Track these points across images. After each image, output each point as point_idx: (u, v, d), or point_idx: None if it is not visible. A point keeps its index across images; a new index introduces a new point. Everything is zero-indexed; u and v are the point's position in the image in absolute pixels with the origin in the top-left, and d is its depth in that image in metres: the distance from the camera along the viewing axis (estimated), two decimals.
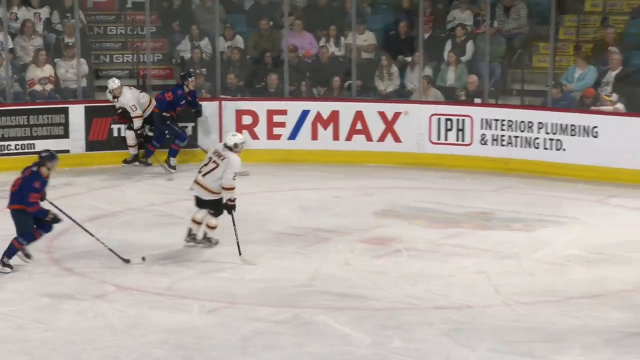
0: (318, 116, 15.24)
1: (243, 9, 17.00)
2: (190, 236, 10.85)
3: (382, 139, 14.99)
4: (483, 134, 14.59)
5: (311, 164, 14.72)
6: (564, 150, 13.99)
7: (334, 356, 8.15)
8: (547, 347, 8.23)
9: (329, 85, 15.75)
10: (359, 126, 15.10)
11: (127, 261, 10.39)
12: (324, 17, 16.23)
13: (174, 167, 14.65)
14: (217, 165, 10.45)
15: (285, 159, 15.03)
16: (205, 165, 10.57)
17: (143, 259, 10.48)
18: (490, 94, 14.99)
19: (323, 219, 12.00)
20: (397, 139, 14.94)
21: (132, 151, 14.88)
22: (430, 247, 10.95)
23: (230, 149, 10.48)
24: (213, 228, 10.79)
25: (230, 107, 15.29)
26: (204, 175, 10.54)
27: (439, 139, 14.81)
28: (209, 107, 15.29)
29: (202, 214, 10.75)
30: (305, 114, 15.28)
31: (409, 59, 15.62)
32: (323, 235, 11.35)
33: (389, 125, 15.01)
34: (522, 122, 14.29)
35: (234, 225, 10.44)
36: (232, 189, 10.41)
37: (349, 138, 15.16)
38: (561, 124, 14.03)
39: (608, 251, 10.73)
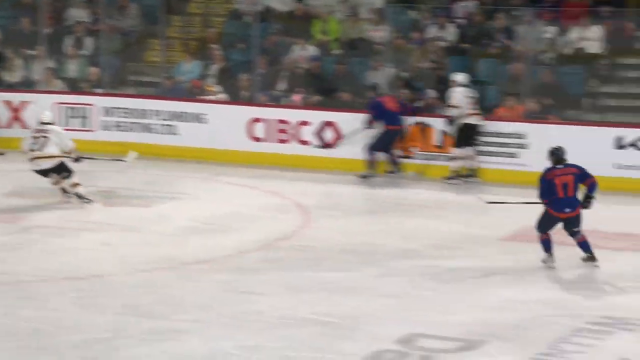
0: None
1: None
2: (65, 194, 11.46)
3: (8, 125, 14.47)
4: (105, 121, 14.47)
5: None
6: (178, 134, 14.20)
7: None
8: (166, 308, 8.35)
9: None
10: None
11: None
12: None
13: None
14: (48, 138, 11.27)
15: None
16: (35, 143, 11.30)
17: None
18: (110, 84, 14.88)
19: None
20: (24, 125, 14.46)
21: None
22: (59, 224, 10.73)
23: (49, 123, 11.49)
24: (78, 184, 11.38)
25: None
26: (41, 149, 11.25)
27: (64, 125, 14.49)
28: None
29: (54, 177, 11.43)
30: None
31: (32, 52, 15.15)
32: None
33: (16, 113, 14.52)
34: (140, 110, 14.34)
35: (89, 157, 11.79)
36: (75, 148, 11.48)
37: None
38: (174, 111, 14.22)
39: (216, 222, 11.02)
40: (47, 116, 11.70)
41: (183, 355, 7.39)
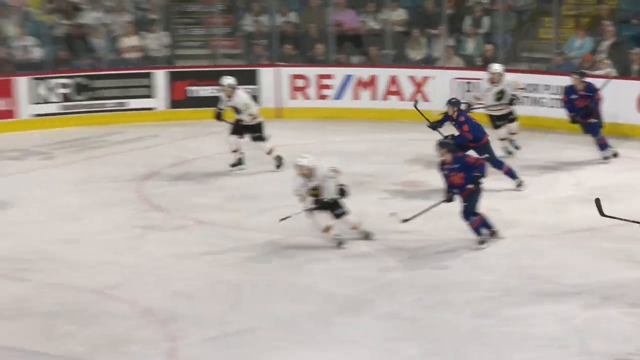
0: (359, 80, 15.19)
1: None
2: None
3: (412, 99, 14.88)
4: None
5: (353, 120, 14.70)
6: None
7: (370, 280, 8.23)
8: (551, 273, 8.24)
9: (368, 54, 15.66)
10: (393, 88, 15.05)
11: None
12: None
13: None
14: None
15: (332, 115, 15.00)
16: None
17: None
18: (504, 61, 14.77)
19: (362, 166, 11.96)
20: (425, 99, 14.83)
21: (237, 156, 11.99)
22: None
23: None
24: None
25: (287, 72, 15.28)
26: None
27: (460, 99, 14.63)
28: (267, 73, 15.31)
29: None
30: (348, 78, 15.23)
31: (435, 31, 15.47)
32: (362, 180, 11.29)
33: (418, 88, 14.94)
34: (531, 84, 14.10)
35: None
36: None
37: (385, 98, 15.10)
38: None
39: (601, 192, 10.55)
40: None
41: (566, 318, 7.25)
